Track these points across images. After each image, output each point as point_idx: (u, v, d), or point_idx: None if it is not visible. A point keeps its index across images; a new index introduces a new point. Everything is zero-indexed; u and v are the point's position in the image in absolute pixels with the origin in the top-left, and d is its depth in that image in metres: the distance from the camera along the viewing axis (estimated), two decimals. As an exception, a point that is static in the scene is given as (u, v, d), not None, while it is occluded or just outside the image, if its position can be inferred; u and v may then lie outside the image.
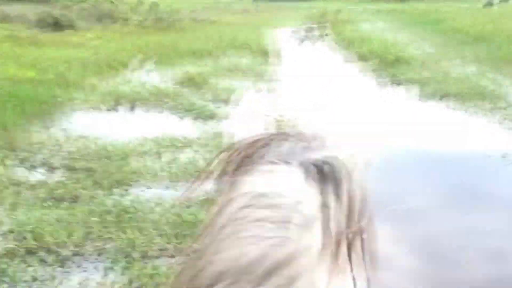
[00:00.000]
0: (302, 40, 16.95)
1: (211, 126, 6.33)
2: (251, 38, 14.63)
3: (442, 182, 4.79)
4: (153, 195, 4.29)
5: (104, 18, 20.34)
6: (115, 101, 7.43)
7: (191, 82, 8.52)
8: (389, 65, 10.24)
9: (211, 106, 7.23)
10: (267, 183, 0.51)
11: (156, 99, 7.55)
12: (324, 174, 0.52)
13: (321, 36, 18.46)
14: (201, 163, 4.82)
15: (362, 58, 11.87)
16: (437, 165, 5.18)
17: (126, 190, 4.39)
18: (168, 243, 3.46)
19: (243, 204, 0.49)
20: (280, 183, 0.51)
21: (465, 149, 5.63)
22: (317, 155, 0.54)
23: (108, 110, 7.16)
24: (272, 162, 0.54)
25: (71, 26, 17.84)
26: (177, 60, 11.25)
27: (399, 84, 9.04)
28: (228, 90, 8.21)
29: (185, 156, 5.18)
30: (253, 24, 21.52)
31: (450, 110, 7.36)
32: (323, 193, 0.51)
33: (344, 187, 0.52)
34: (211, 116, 6.73)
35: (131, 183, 4.51)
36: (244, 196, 0.51)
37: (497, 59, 10.58)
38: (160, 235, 3.53)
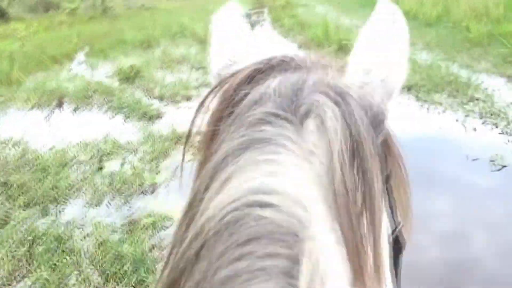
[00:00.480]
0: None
1: (157, 127, 5.91)
2: (188, 25, 14.27)
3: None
4: (93, 216, 3.87)
5: (37, 6, 19.13)
6: (45, 98, 6.96)
7: (127, 76, 8.11)
8: (332, 55, 10.24)
9: (156, 105, 6.80)
10: (260, 177, 0.44)
11: (86, 96, 7.14)
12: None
13: (257, 22, 18.34)
14: (146, 175, 4.49)
15: (303, 46, 11.84)
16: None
17: (63, 210, 4.01)
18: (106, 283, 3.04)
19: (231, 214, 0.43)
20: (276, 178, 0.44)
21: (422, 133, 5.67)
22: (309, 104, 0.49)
23: (38, 109, 6.70)
24: (262, 122, 0.48)
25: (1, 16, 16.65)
26: (112, 51, 10.75)
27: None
28: (174, 85, 7.87)
29: (128, 166, 4.72)
30: (189, 10, 21.03)
31: (419, 103, 6.75)
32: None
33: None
34: (158, 116, 6.29)
35: (67, 200, 4.12)
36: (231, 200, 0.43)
37: (459, 43, 10.59)
38: (99, 273, 3.12)
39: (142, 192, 4.15)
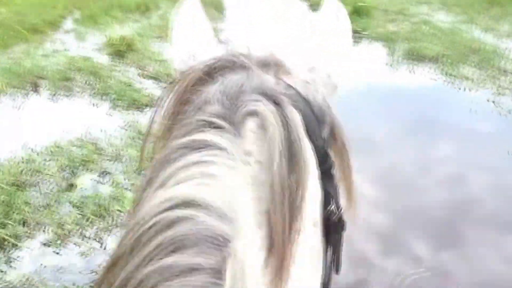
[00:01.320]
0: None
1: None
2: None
3: (400, 114, 4.95)
4: (55, 267, 2.87)
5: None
6: (17, 82, 5.88)
7: (118, 50, 6.96)
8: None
9: (150, 88, 5.71)
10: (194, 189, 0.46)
11: (67, 77, 6.05)
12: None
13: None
14: (130, 195, 3.40)
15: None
16: (394, 99, 5.44)
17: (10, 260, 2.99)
18: None
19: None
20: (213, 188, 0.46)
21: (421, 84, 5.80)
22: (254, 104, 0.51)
23: (8, 95, 5.63)
24: (195, 128, 0.51)
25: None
26: (103, 17, 9.51)
27: (360, 42, 7.78)
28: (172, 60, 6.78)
29: (106, 187, 3.63)
30: None
31: (445, 77, 5.85)
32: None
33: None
34: (150, 103, 5.17)
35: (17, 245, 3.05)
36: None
37: (477, 2, 9.42)
38: None
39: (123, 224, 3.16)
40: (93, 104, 5.28)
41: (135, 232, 0.44)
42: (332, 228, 0.58)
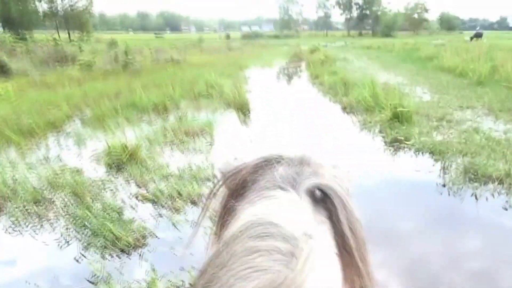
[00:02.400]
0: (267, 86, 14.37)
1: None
2: (216, 81, 12.05)
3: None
4: None
5: (51, 60, 17.56)
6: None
7: (119, 160, 5.71)
8: (386, 123, 7.61)
9: (144, 214, 4.42)
10: (269, 211, 0.51)
11: (37, 200, 4.71)
12: (321, 201, 0.55)
13: (294, 74, 16.06)
14: None
15: (348, 109, 9.33)
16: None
17: None
18: None
19: (247, 235, 0.49)
20: (282, 211, 0.51)
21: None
22: (311, 182, 0.56)
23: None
24: (269, 188, 0.56)
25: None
26: (114, 118, 8.51)
27: (404, 154, 6.37)
28: (179, 175, 5.47)
29: None
30: (218, 65, 19.07)
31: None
32: (322, 221, 0.53)
33: (341, 215, 0.54)
34: (138, 243, 3.84)
35: None
36: (248, 226, 0.50)
37: None
38: None
39: None
40: (63, 241, 3.84)
41: None
42: None
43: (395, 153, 6.23)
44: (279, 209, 0.52)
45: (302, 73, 18.05)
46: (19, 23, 62.07)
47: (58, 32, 69.11)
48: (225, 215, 0.60)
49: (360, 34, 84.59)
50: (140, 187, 5.01)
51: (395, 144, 6.60)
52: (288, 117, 9.03)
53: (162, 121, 8.33)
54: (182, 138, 6.84)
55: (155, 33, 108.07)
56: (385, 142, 6.79)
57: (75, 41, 20.91)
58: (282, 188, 0.56)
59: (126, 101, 9.87)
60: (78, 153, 6.33)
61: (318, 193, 0.55)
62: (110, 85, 12.80)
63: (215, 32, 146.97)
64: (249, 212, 0.53)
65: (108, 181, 5.19)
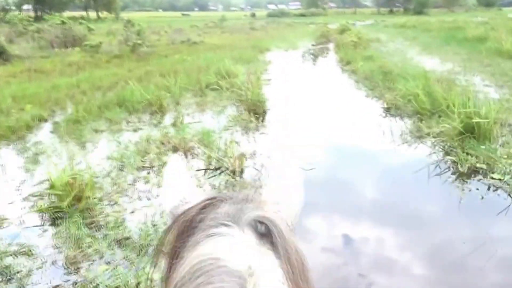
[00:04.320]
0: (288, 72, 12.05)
1: None
2: (229, 69, 9.92)
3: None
4: None
5: (57, 42, 15.76)
6: None
7: (60, 203, 3.75)
8: (455, 139, 5.29)
9: None
10: (214, 249, 0.52)
11: None
12: (264, 234, 0.55)
13: (320, 54, 13.61)
14: None
15: (392, 111, 7.08)
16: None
17: None
18: None
19: (195, 277, 0.49)
20: (226, 248, 0.52)
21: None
22: (251, 215, 0.57)
23: None
24: (213, 226, 0.56)
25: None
26: (95, 119, 6.57)
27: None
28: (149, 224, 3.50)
29: None
30: (238, 47, 16.85)
31: None
32: (266, 253, 0.54)
33: (281, 247, 0.55)
34: None
35: None
36: (195, 269, 0.51)
37: None
38: None
39: None
40: None
41: None
42: None
43: (479, 196, 4.03)
44: (223, 246, 0.52)
45: (330, 57, 15.65)
46: (50, 3, 60.84)
47: (87, 12, 67.75)
48: (173, 257, 0.59)
49: (391, 12, 79.49)
50: (69, 267, 3.02)
51: (473, 177, 4.41)
52: (312, 121, 6.86)
53: (151, 127, 6.33)
54: (166, 160, 4.82)
55: (182, 13, 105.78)
56: (457, 172, 4.58)
57: (83, 20, 19.03)
58: (225, 225, 0.55)
59: (118, 95, 7.91)
60: (19, 185, 4.40)
61: (259, 225, 0.55)
62: (111, 72, 10.88)
63: (242, 10, 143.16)
64: (195, 253, 0.53)
65: (26, 249, 3.22)
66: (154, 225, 3.43)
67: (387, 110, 7.21)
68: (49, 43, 15.69)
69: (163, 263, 0.64)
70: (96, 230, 3.37)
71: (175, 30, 23.52)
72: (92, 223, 3.44)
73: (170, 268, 0.59)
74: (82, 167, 4.33)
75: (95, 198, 3.77)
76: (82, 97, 7.97)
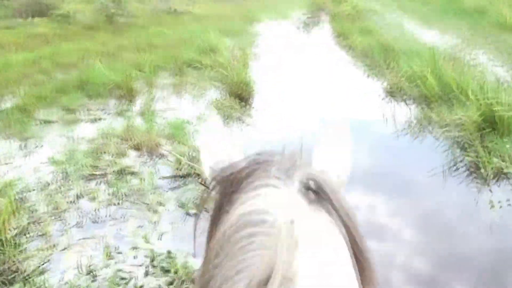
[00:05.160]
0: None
1: None
2: (213, 43, 8.80)
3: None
4: None
5: (25, 10, 14.33)
6: None
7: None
8: (473, 131, 4.38)
9: None
10: (264, 202, 0.49)
11: None
12: (314, 192, 0.51)
13: (314, 24, 12.41)
14: None
15: (396, 94, 6.12)
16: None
17: None
18: None
19: (238, 227, 0.48)
20: (274, 203, 0.49)
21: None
22: (302, 174, 0.53)
23: None
24: (262, 186, 0.52)
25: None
26: (41, 112, 5.51)
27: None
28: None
29: None
30: (227, 17, 15.57)
31: None
32: (318, 210, 0.50)
33: (338, 205, 0.51)
34: None
35: None
36: (238, 220, 0.48)
37: None
38: None
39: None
40: None
41: None
42: None
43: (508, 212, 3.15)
44: (272, 200, 0.49)
45: (325, 29, 14.46)
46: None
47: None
48: (219, 216, 0.56)
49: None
50: None
51: (500, 180, 3.53)
52: (305, 107, 5.87)
53: (113, 117, 5.31)
54: (124, 164, 3.83)
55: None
56: (479, 177, 3.68)
57: None
58: (274, 183, 0.51)
59: (81, 75, 6.81)
60: None
61: (312, 183, 0.52)
62: (80, 47, 9.67)
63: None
64: (243, 206, 0.50)
65: None
66: (90, 273, 2.49)
67: (390, 93, 6.22)
68: (15, 12, 14.27)
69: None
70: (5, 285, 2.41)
71: (160, -2, 21.98)
72: (2, 273, 2.47)
73: (215, 226, 0.56)
74: (9, 177, 3.34)
75: (15, 229, 2.80)
76: (40, 77, 6.86)
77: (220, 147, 0.71)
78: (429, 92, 5.57)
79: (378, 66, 7.72)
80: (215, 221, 0.57)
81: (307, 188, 0.51)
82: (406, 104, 5.75)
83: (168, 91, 6.52)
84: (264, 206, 0.48)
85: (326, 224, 0.49)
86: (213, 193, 0.59)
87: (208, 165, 0.67)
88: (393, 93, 6.18)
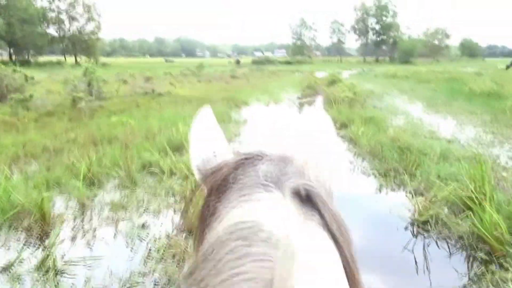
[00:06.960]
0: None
1: None
2: (183, 135, 7.06)
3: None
4: None
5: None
6: None
7: None
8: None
9: None
10: (254, 213, 0.47)
11: None
12: (304, 200, 0.50)
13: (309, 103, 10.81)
14: None
15: (431, 231, 4.24)
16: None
17: None
18: None
19: (234, 238, 0.45)
20: (267, 213, 0.47)
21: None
22: (294, 181, 0.52)
23: None
24: (252, 187, 0.51)
25: None
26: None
27: None
28: None
29: None
30: (211, 100, 14.12)
31: None
32: (309, 220, 0.48)
33: (327, 215, 0.50)
34: None
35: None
36: (233, 229, 0.46)
37: None
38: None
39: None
40: None
41: None
42: None
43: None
44: (265, 210, 0.47)
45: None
46: (24, 46, 58.24)
47: (64, 56, 65.39)
48: (207, 214, 0.55)
49: (377, 61, 78.59)
50: None
51: None
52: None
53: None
54: None
55: (165, 58, 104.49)
56: None
57: (16, 67, 16.17)
58: (264, 187, 0.50)
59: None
60: None
61: (303, 193, 0.50)
62: (21, 140, 7.88)
63: (228, 57, 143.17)
64: (232, 213, 0.48)
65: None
66: None
67: (422, 227, 4.29)
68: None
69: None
70: None
71: (144, 78, 20.79)
72: None
73: (204, 225, 0.54)
74: None
75: None
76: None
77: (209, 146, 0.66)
78: (488, 230, 3.64)
79: (394, 172, 5.90)
80: (204, 220, 0.55)
81: (299, 197, 0.50)
82: (449, 252, 3.80)
83: (103, 216, 4.57)
84: (255, 217, 0.46)
85: (320, 238, 0.47)
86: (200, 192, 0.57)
87: (196, 165, 0.65)
88: (425, 227, 4.25)
